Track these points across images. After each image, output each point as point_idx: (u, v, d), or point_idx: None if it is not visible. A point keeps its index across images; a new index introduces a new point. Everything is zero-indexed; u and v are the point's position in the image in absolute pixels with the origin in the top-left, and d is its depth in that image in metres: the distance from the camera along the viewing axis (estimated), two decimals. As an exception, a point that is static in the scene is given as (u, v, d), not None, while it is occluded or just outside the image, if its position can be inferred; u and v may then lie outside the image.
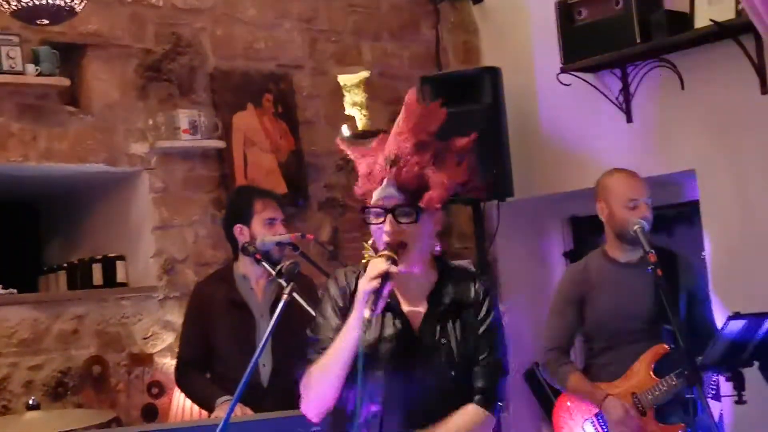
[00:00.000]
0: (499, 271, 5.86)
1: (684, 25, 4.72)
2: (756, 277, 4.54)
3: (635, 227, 3.60)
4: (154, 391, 4.79)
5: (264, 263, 3.74)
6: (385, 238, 2.46)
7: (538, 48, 5.50)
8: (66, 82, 4.64)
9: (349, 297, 2.56)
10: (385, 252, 2.43)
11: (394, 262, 2.41)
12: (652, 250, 3.46)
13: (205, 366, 3.97)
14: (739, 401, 3.41)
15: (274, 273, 3.52)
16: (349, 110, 5.75)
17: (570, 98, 5.27)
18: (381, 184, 2.46)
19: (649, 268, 3.42)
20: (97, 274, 4.99)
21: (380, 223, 2.48)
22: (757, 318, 3.39)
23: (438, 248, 2.62)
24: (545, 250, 6.09)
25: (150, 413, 4.75)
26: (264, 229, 3.87)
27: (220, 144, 5.07)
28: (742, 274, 4.61)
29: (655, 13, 4.81)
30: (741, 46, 4.51)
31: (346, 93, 5.73)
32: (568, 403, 3.84)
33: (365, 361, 2.39)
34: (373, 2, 5.82)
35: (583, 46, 5.03)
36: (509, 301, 5.70)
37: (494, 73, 5.17)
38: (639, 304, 3.68)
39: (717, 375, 3.65)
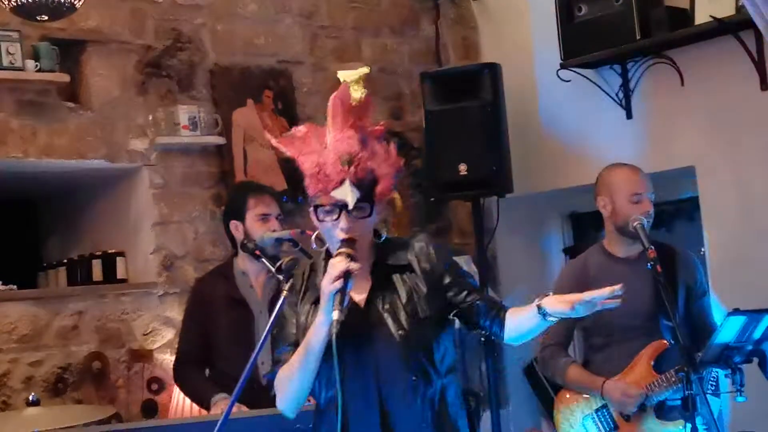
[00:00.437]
0: (498, 267, 5.86)
1: (684, 22, 4.72)
2: (755, 274, 4.54)
3: (635, 223, 3.60)
4: (154, 387, 4.79)
5: (263, 259, 3.74)
6: (342, 235, 2.50)
7: (538, 44, 5.50)
8: (66, 78, 4.64)
9: (302, 292, 2.64)
10: (343, 249, 2.46)
11: (353, 259, 2.44)
12: (652, 246, 3.46)
13: (204, 362, 3.97)
14: (739, 397, 3.41)
15: (273, 269, 3.52)
16: (349, 106, 5.74)
17: (570, 94, 5.27)
18: (339, 185, 2.48)
19: (649, 264, 3.42)
20: (97, 270, 5.00)
21: (334, 220, 2.51)
22: (756, 314, 3.38)
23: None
24: (545, 246, 6.09)
25: (150, 409, 4.76)
26: (257, 224, 3.86)
27: (220, 140, 5.07)
28: (741, 270, 4.61)
29: (655, 10, 4.81)
30: (741, 43, 4.51)
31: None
32: (568, 396, 3.84)
33: (324, 353, 2.47)
34: (373, -2, 5.82)
35: (583, 42, 5.02)
36: (509, 297, 5.71)
37: (494, 69, 5.17)
38: (638, 299, 3.67)
39: (716, 371, 3.64)
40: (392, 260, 2.64)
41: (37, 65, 4.51)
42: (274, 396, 3.50)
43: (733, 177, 4.71)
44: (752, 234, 4.62)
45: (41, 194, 5.77)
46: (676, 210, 5.46)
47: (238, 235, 3.91)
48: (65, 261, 5.25)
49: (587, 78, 5.16)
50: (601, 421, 3.71)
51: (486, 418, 5.16)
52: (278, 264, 3.44)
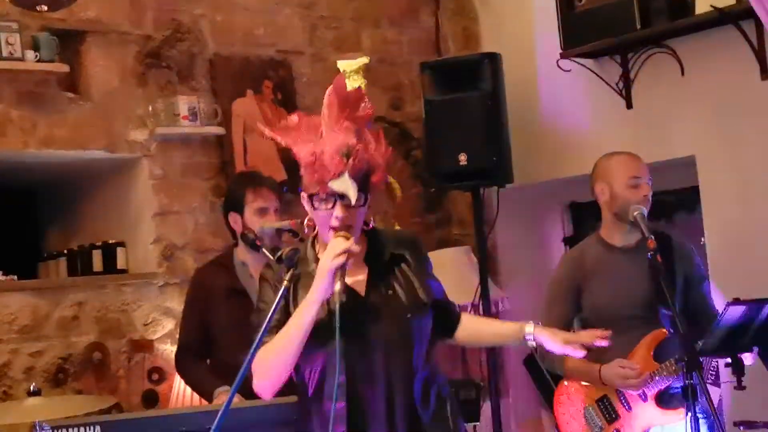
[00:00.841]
0: (498, 257, 5.86)
1: (684, 11, 4.71)
2: (756, 263, 4.54)
3: (635, 213, 3.59)
4: (155, 377, 4.80)
5: (263, 250, 3.73)
6: (335, 223, 2.56)
7: (538, 34, 5.49)
8: (65, 68, 4.64)
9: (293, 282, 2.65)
10: (341, 233, 2.53)
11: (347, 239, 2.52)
12: (652, 236, 3.46)
13: (205, 353, 3.97)
14: (739, 387, 3.41)
15: (273, 259, 3.52)
16: (349, 97, 5.74)
17: (570, 84, 5.27)
18: (337, 177, 2.53)
19: (649, 254, 3.42)
20: (97, 260, 5.00)
21: (329, 209, 2.56)
22: (756, 304, 3.38)
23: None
24: (545, 236, 6.09)
25: (150, 399, 4.77)
26: (256, 218, 3.86)
27: (220, 130, 5.07)
28: (741, 259, 4.62)
29: (656, -1, 4.80)
30: (742, 32, 4.50)
31: (345, 79, 5.72)
32: (568, 387, 3.85)
33: (319, 336, 2.53)
34: (372, -12, 5.81)
35: (584, 32, 5.02)
36: (509, 287, 5.71)
37: (494, 59, 5.16)
38: (636, 289, 3.67)
39: (716, 360, 3.65)
40: (386, 249, 2.71)
41: (36, 56, 4.51)
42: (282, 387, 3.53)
43: (734, 167, 4.71)
44: (752, 224, 4.62)
45: (41, 185, 5.77)
46: (676, 200, 5.46)
47: (237, 228, 3.92)
48: (65, 251, 5.25)
49: (587, 68, 5.15)
50: (601, 411, 3.72)
51: (486, 407, 5.17)
52: (278, 254, 3.46)
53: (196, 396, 4.39)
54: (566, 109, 5.41)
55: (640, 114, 5.08)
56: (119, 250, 5.03)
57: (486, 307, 5.08)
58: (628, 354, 3.65)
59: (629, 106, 5.11)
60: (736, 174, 4.70)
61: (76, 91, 4.80)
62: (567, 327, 3.91)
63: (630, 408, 3.67)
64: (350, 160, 2.52)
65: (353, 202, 2.54)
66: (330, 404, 2.54)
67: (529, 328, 2.75)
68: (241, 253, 3.97)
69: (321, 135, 2.59)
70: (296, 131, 2.62)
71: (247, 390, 3.46)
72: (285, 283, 2.73)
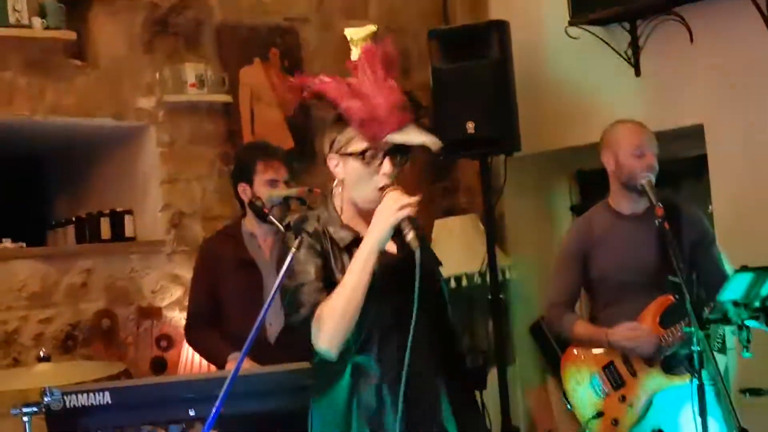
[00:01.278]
0: (506, 225, 5.86)
1: (694, -22, 4.68)
2: (763, 231, 4.54)
3: (643, 180, 3.59)
4: (163, 344, 4.83)
5: (271, 218, 3.74)
6: (385, 181, 2.55)
7: (547, 1, 5.46)
8: (72, 35, 4.64)
9: (329, 248, 2.64)
10: (398, 187, 2.52)
11: None
12: (660, 204, 3.46)
13: (215, 323, 3.98)
14: (745, 353, 3.41)
15: (282, 227, 3.53)
16: (357, 64, 5.72)
17: (578, 52, 5.24)
18: (398, 129, 2.53)
19: (657, 221, 3.42)
20: (105, 228, 5.01)
21: (378, 165, 2.56)
22: (764, 271, 3.38)
23: None
24: (552, 204, 6.09)
25: (159, 366, 4.80)
26: (265, 189, 3.86)
27: (227, 98, 5.07)
28: (749, 228, 4.61)
29: (665, -34, 4.77)
30: (752, 0, 4.47)
31: (353, 47, 5.70)
32: (575, 354, 3.87)
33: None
34: (380, -44, 5.78)
35: (592, 0, 4.99)
36: (516, 255, 5.72)
37: (502, 26, 5.13)
38: (644, 256, 3.68)
39: (723, 327, 3.66)
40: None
41: (43, 23, 4.50)
42: (291, 355, 3.56)
43: (742, 135, 4.69)
44: (760, 192, 4.61)
45: (49, 153, 5.78)
46: (685, 168, 5.44)
47: (246, 198, 3.91)
48: (74, 219, 5.26)
49: (596, 35, 5.12)
50: (607, 377, 3.73)
51: (492, 375, 5.19)
52: (287, 222, 3.46)
53: (204, 363, 4.42)
54: (574, 77, 5.39)
55: (648, 82, 5.06)
56: (127, 218, 5.04)
57: (493, 275, 5.09)
58: (634, 320, 3.67)
59: (638, 73, 5.09)
60: (744, 142, 4.69)
61: (83, 59, 4.79)
62: (574, 295, 3.93)
63: (635, 374, 3.69)
64: (407, 112, 2.56)
65: (434, 146, 2.56)
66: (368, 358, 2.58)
67: None
68: (250, 224, 3.97)
69: (363, 94, 2.57)
70: (342, 87, 2.60)
71: (257, 357, 3.51)
72: (293, 250, 2.74)
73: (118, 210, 5.06)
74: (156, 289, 4.91)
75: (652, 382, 3.67)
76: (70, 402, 3.13)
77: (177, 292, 4.92)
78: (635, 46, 5.06)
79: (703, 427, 3.16)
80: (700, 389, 3.23)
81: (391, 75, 2.59)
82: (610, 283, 3.74)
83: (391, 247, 2.63)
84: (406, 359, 2.48)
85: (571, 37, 5.15)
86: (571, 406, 3.86)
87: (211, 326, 3.97)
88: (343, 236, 2.64)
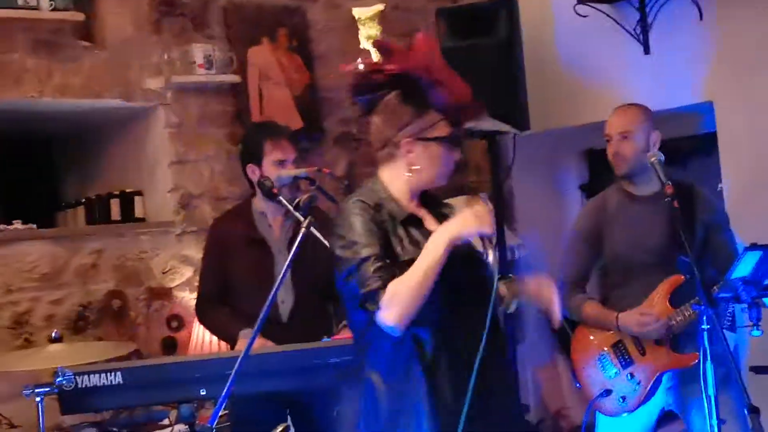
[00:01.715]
0: (515, 204, 5.86)
1: (703, -46, 4.65)
2: (773, 209, 4.53)
3: (652, 159, 3.58)
4: (174, 324, 4.85)
5: (281, 198, 3.74)
6: (452, 166, 2.67)
7: (555, -21, 5.44)
8: (80, 16, 4.63)
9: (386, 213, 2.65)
10: (480, 195, 2.62)
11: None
12: (669, 182, 3.45)
13: (225, 301, 3.99)
14: (754, 332, 3.42)
15: (291, 207, 3.53)
16: (364, 44, 5.70)
17: (587, 30, 5.22)
18: (477, 116, 2.66)
19: (667, 199, 3.41)
20: (115, 209, 5.03)
21: (452, 147, 2.66)
22: (774, 249, 3.38)
23: None
24: (561, 183, 6.08)
25: (169, 346, 4.82)
26: (273, 169, 3.85)
27: (235, 78, 5.06)
28: (759, 205, 4.60)
29: (675, -58, 4.74)
30: (761, -24, 4.45)
31: (360, 26, 5.68)
32: (585, 333, 3.87)
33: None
34: (388, -66, 5.74)
35: (601, -23, 4.97)
36: (525, 234, 5.72)
37: (510, 4, 5.10)
38: (654, 236, 3.68)
39: (733, 306, 3.66)
40: (441, 205, 2.82)
41: (51, 4, 4.50)
42: (303, 332, 3.58)
43: (752, 112, 4.67)
44: (770, 170, 4.60)
45: (58, 134, 5.79)
46: (694, 146, 5.43)
47: (255, 178, 3.91)
48: (83, 200, 5.28)
49: (604, 13, 5.10)
50: (617, 356, 3.74)
51: (502, 353, 5.20)
52: (296, 201, 3.47)
53: (215, 343, 4.44)
54: (583, 55, 5.37)
55: (657, 60, 5.03)
56: (137, 199, 5.06)
57: (502, 254, 5.09)
58: (644, 299, 3.67)
59: (647, 51, 5.06)
60: (754, 119, 4.67)
61: (91, 40, 4.79)
62: (586, 274, 3.93)
63: (644, 353, 3.69)
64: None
65: (516, 131, 2.66)
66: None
67: None
68: (259, 203, 3.97)
69: (443, 81, 2.63)
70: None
71: (269, 335, 3.52)
72: (303, 230, 2.74)
73: (127, 191, 5.07)
74: (166, 270, 4.92)
75: (661, 360, 3.67)
76: (82, 382, 3.16)
77: (187, 273, 4.93)
78: (644, 24, 5.04)
79: (713, 406, 3.16)
80: (710, 368, 3.23)
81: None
82: (622, 263, 3.74)
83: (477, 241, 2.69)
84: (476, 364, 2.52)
85: (579, 15, 5.12)
86: (580, 384, 3.87)
87: (221, 304, 3.98)
88: (399, 212, 2.66)
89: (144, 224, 5.00)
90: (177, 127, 4.99)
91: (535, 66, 5.24)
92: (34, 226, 4.68)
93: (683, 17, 4.87)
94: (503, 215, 5.24)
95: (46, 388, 3.14)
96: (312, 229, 2.95)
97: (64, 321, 4.61)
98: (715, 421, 3.14)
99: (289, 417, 3.87)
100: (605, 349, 3.78)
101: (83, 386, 3.16)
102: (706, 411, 3.15)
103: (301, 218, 3.16)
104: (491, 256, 2.56)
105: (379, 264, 2.58)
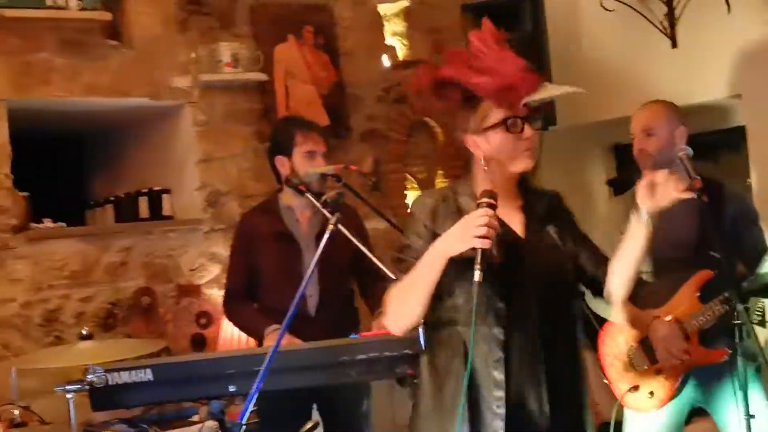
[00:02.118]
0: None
1: (731, -53, 4.62)
2: (803, 203, 4.49)
3: (680, 153, 3.56)
4: (202, 321, 4.87)
5: (308, 194, 3.74)
6: (528, 145, 2.53)
7: (581, -27, 5.42)
8: (108, 16, 4.67)
9: (439, 217, 2.59)
10: (485, 200, 2.41)
11: (493, 207, 2.41)
12: (698, 177, 3.43)
13: (253, 297, 4.00)
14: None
15: (318, 203, 3.54)
16: (390, 40, 5.71)
17: (614, 24, 5.20)
18: (533, 91, 2.51)
19: (695, 194, 3.40)
20: (144, 207, 5.06)
21: (519, 132, 2.53)
22: (803, 243, 3.37)
23: None
24: (588, 178, 6.06)
25: (198, 343, 4.85)
26: (304, 161, 3.86)
27: (262, 76, 5.08)
28: (788, 200, 4.57)
29: (702, -65, 4.71)
30: (790, -32, 4.42)
31: (386, 23, 5.70)
32: (612, 327, 3.86)
33: (467, 268, 2.39)
34: (413, -70, 5.74)
35: (627, -30, 4.95)
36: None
37: (536, -1, 5.10)
38: (684, 231, 3.66)
39: (764, 301, 3.63)
40: (540, 199, 2.69)
41: (79, 4, 4.53)
42: (330, 327, 3.58)
43: (781, 106, 4.65)
44: (799, 163, 4.57)
45: (87, 133, 5.83)
46: (722, 140, 5.40)
47: (284, 171, 3.90)
48: (112, 198, 5.31)
49: (631, 7, 5.07)
50: (645, 351, 3.72)
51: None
52: (324, 198, 3.48)
53: (243, 339, 4.46)
54: (610, 49, 5.35)
55: (685, 53, 5.01)
56: (165, 197, 5.09)
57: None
58: (673, 295, 3.65)
59: (674, 45, 5.04)
60: (783, 113, 4.64)
61: (118, 39, 4.82)
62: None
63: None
64: (536, 74, 2.53)
65: (577, 89, 2.53)
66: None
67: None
68: (287, 198, 3.97)
69: (487, 68, 2.55)
70: (461, 70, 2.57)
71: (296, 331, 3.53)
72: (330, 227, 2.74)
73: (155, 189, 5.10)
74: (194, 267, 4.95)
75: (690, 356, 3.65)
76: (112, 379, 3.17)
77: (215, 270, 4.96)
78: (671, 18, 5.01)
79: (743, 402, 3.14)
80: (740, 363, 3.21)
81: (505, 47, 2.58)
82: (652, 260, 3.72)
83: (519, 228, 2.61)
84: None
85: (606, 9, 5.10)
86: (607, 379, 3.85)
87: (248, 300, 3.99)
88: (466, 207, 2.57)
89: (172, 222, 5.03)
90: (204, 125, 5.02)
91: (561, 61, 5.23)
92: (64, 224, 4.72)
93: (711, 10, 4.84)
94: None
95: (77, 385, 3.15)
96: (339, 225, 2.96)
97: (94, 318, 4.64)
98: (745, 417, 3.12)
99: (317, 413, 3.89)
100: (633, 344, 3.76)
101: (114, 383, 3.18)
102: (736, 406, 3.13)
103: (329, 215, 3.18)
104: (477, 275, 2.34)
105: (398, 256, 2.58)
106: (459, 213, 2.55)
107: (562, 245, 2.62)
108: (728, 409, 3.48)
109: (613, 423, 3.78)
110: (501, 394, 2.48)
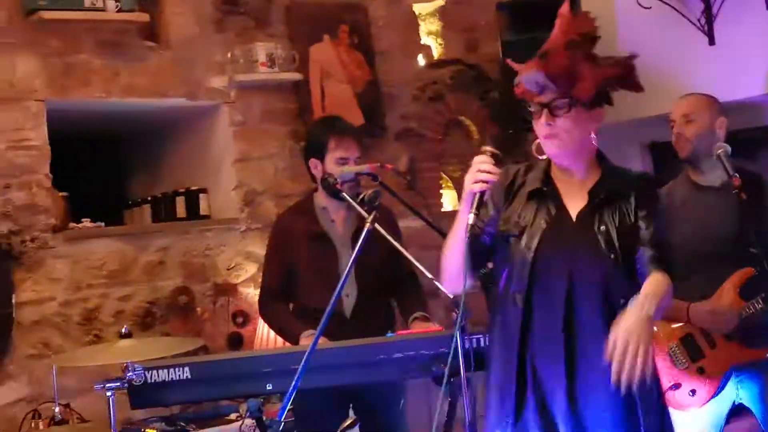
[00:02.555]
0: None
1: (769, -58, 4.58)
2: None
3: (719, 151, 3.53)
4: (239, 320, 4.89)
5: (344, 194, 3.74)
6: (544, 131, 2.62)
7: (618, -30, 5.39)
8: (145, 17, 4.70)
9: (512, 190, 2.70)
10: (488, 147, 2.56)
11: (497, 158, 2.54)
12: (736, 174, 3.41)
13: (288, 296, 4.01)
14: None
15: (355, 202, 3.54)
16: (425, 39, 5.72)
17: (650, 21, 5.16)
18: (532, 76, 2.61)
19: (734, 191, 3.37)
20: (181, 206, 5.09)
21: (538, 117, 2.62)
22: None
23: (595, 144, 2.76)
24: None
25: (235, 341, 4.87)
26: (336, 167, 3.85)
27: (298, 76, 5.10)
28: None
29: (740, -69, 4.67)
30: (830, -37, 4.37)
31: (421, 22, 5.70)
32: (656, 328, 3.83)
33: (514, 243, 2.60)
34: (447, -71, 5.74)
35: (665, -32, 4.91)
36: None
37: (572, -3, 5.07)
38: (723, 227, 3.63)
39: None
40: (613, 185, 2.70)
41: (117, 5, 4.57)
42: (366, 327, 3.61)
43: (821, 102, 4.60)
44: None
45: (125, 133, 5.88)
46: (762, 137, 5.35)
47: (317, 173, 3.92)
48: (149, 198, 5.35)
49: (668, 4, 5.04)
50: (687, 349, 3.69)
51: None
52: (361, 196, 3.48)
53: (279, 339, 4.47)
54: (646, 46, 5.25)
55: (723, 50, 4.96)
56: (201, 197, 5.12)
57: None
58: (712, 291, 3.62)
59: (712, 42, 5.00)
60: (823, 110, 4.60)
61: (155, 40, 4.86)
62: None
63: (715, 346, 3.65)
64: (543, 61, 2.60)
65: (545, 98, 2.59)
66: (509, 310, 2.61)
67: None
68: (322, 198, 3.98)
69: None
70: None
71: (331, 332, 3.54)
72: (368, 225, 2.75)
73: (192, 189, 5.13)
74: (231, 266, 4.97)
75: (731, 354, 3.62)
76: (151, 377, 3.20)
77: (251, 269, 4.98)
78: (709, 15, 4.97)
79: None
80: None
81: (562, 29, 2.69)
82: (689, 255, 3.69)
83: (576, 210, 2.65)
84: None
85: (642, 6, 5.07)
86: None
87: (284, 300, 3.99)
88: (530, 184, 2.68)
89: (209, 221, 5.06)
90: (240, 125, 5.05)
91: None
92: (103, 224, 4.76)
93: (749, 6, 4.80)
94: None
95: (116, 383, 3.17)
96: (376, 225, 2.96)
97: (132, 317, 4.68)
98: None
99: (352, 411, 3.89)
100: (674, 342, 3.73)
101: (152, 381, 3.20)
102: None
103: (366, 214, 3.18)
104: (471, 219, 2.49)
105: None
106: (523, 189, 2.67)
107: (618, 232, 2.61)
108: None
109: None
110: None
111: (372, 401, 3.81)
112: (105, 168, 5.95)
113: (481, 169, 2.52)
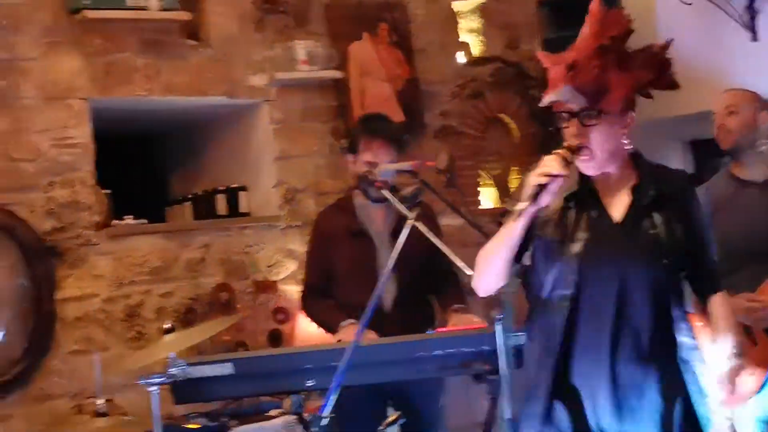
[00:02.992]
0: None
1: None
2: None
3: (762, 148, 3.51)
4: (280, 317, 4.91)
5: (384, 191, 3.73)
6: (569, 141, 2.53)
7: (659, -34, 5.35)
8: (187, 16, 4.74)
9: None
10: (560, 151, 2.48)
11: (567, 162, 2.46)
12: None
13: (329, 293, 4.03)
14: None
15: (396, 199, 3.54)
16: (464, 37, 5.71)
17: (691, 17, 5.12)
18: (555, 88, 2.53)
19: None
20: (221, 204, 5.13)
21: (567, 126, 2.55)
22: None
23: (630, 147, 2.67)
24: (666, 174, 5.96)
25: (276, 338, 4.89)
26: (364, 168, 3.85)
27: (337, 74, 5.12)
28: None
29: (784, -75, 4.62)
30: None
31: (460, 19, 5.69)
32: (697, 321, 3.80)
33: (556, 248, 2.52)
34: (488, -73, 5.72)
35: (706, -37, 4.87)
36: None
37: (612, -7, 5.05)
38: (763, 224, 3.60)
39: None
40: (656, 186, 2.62)
41: (159, 4, 4.61)
42: (405, 323, 3.60)
43: None
44: None
45: (166, 131, 5.92)
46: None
47: (354, 169, 3.94)
48: (190, 196, 5.39)
49: (710, 0, 5.00)
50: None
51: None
52: (401, 193, 3.48)
53: (319, 336, 4.48)
54: (687, 43, 5.25)
55: (766, 46, 4.91)
56: (242, 194, 5.14)
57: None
58: (753, 289, 3.59)
59: (755, 38, 4.95)
60: None
61: (196, 39, 4.89)
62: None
63: (756, 343, 3.61)
64: (572, 72, 2.51)
65: (568, 105, 2.51)
66: (551, 315, 2.55)
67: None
68: (361, 195, 3.99)
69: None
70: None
71: (373, 327, 3.55)
72: (409, 222, 2.74)
73: (233, 186, 5.16)
74: (271, 264, 4.99)
75: (774, 352, 3.59)
76: (194, 372, 3.21)
77: (291, 266, 5.00)
78: (752, 10, 4.93)
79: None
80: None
81: (593, 30, 2.58)
82: (730, 251, 3.65)
83: (620, 212, 2.59)
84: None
85: (683, 2, 5.03)
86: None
87: (325, 296, 4.01)
88: (569, 191, 2.61)
89: (249, 219, 5.09)
90: (280, 123, 5.07)
91: (638, 55, 5.16)
92: (145, 221, 4.81)
93: (793, 2, 4.76)
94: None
95: (160, 378, 3.17)
96: (417, 222, 2.96)
97: (174, 314, 4.71)
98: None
99: (391, 409, 3.90)
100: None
101: (195, 376, 3.22)
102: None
103: (407, 212, 3.18)
104: (521, 205, 2.44)
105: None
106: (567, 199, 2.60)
107: (668, 236, 2.56)
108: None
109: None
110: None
111: (411, 398, 3.81)
112: (147, 165, 6.00)
113: (546, 170, 2.44)
